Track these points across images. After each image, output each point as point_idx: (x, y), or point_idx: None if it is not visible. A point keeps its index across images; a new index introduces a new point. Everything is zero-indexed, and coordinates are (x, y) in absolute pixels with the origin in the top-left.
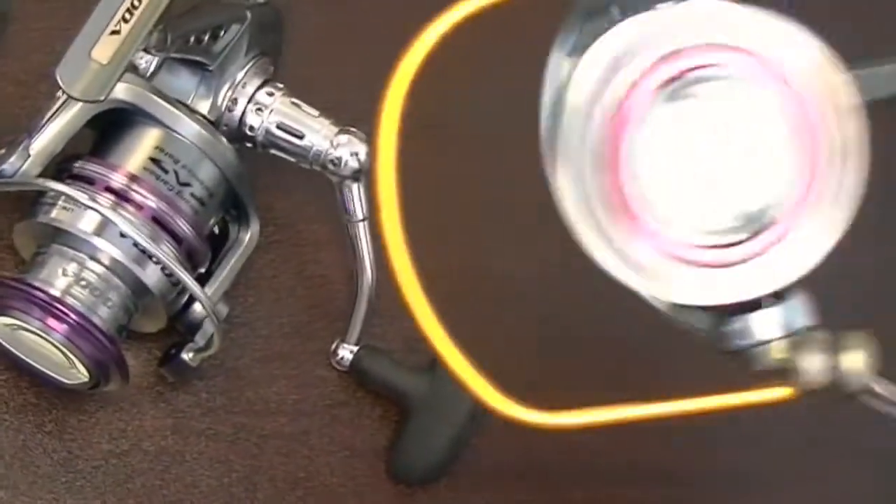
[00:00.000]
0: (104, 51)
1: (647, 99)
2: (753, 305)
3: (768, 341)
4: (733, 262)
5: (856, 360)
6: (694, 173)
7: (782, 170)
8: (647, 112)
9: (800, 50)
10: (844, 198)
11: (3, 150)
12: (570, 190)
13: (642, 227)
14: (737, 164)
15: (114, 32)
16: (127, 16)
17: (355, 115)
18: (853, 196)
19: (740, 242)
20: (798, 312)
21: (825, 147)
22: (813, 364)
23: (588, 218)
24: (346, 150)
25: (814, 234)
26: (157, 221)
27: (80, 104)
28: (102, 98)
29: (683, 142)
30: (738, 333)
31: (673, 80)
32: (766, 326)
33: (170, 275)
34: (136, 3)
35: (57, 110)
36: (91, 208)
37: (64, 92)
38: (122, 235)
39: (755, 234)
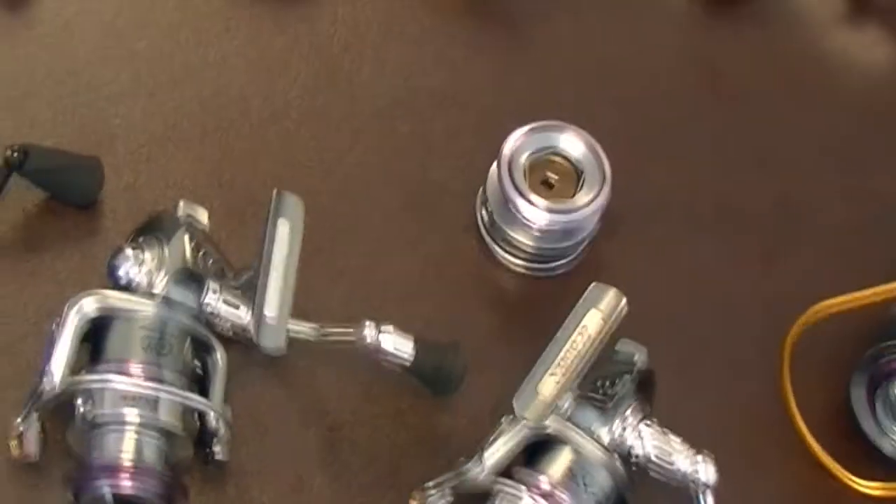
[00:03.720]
0: (545, 388)
1: None
2: None
3: None
4: None
5: None
6: None
7: None
8: None
9: None
10: None
11: (464, 458)
12: None
13: None
14: None
15: (551, 374)
16: (562, 363)
17: (703, 439)
18: None
19: None
20: None
21: None
22: None
23: None
24: (703, 467)
25: None
26: None
27: (524, 429)
28: (544, 423)
29: None
30: None
31: None
32: None
33: None
34: (567, 356)
35: (506, 431)
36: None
37: (517, 416)
38: None
39: None
